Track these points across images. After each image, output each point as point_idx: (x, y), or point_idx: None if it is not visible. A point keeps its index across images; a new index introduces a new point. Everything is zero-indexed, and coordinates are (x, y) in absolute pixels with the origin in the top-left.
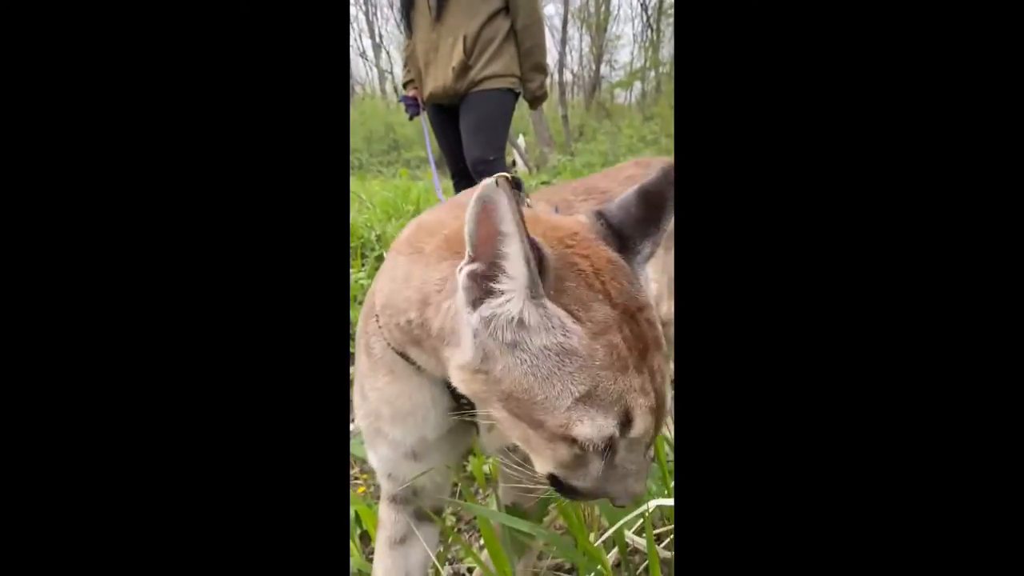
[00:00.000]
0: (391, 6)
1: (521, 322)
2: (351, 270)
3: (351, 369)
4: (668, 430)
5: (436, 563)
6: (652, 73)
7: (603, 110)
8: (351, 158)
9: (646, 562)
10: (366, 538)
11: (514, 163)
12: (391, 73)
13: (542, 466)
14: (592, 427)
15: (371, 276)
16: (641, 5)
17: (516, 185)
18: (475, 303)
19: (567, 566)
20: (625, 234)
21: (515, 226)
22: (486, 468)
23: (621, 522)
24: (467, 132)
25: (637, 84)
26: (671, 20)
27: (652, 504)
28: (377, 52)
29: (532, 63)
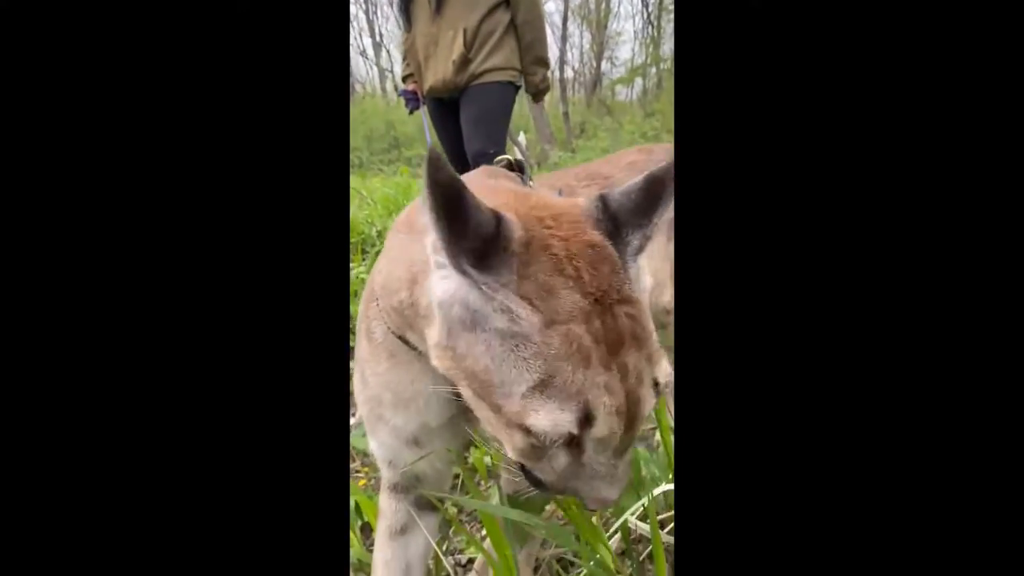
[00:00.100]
0: (391, 4)
1: (464, 300)
2: (351, 265)
3: (351, 362)
4: (670, 415)
5: (438, 553)
6: (653, 69)
7: (604, 107)
8: (352, 156)
9: (649, 548)
10: (367, 529)
11: None
12: (391, 72)
13: (508, 452)
14: (547, 420)
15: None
16: (642, 1)
17: (519, 168)
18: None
19: (571, 555)
20: (620, 221)
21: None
22: (488, 460)
23: (628, 513)
24: (468, 125)
25: (638, 81)
26: (672, 16)
27: (657, 491)
28: (377, 51)
29: (533, 56)
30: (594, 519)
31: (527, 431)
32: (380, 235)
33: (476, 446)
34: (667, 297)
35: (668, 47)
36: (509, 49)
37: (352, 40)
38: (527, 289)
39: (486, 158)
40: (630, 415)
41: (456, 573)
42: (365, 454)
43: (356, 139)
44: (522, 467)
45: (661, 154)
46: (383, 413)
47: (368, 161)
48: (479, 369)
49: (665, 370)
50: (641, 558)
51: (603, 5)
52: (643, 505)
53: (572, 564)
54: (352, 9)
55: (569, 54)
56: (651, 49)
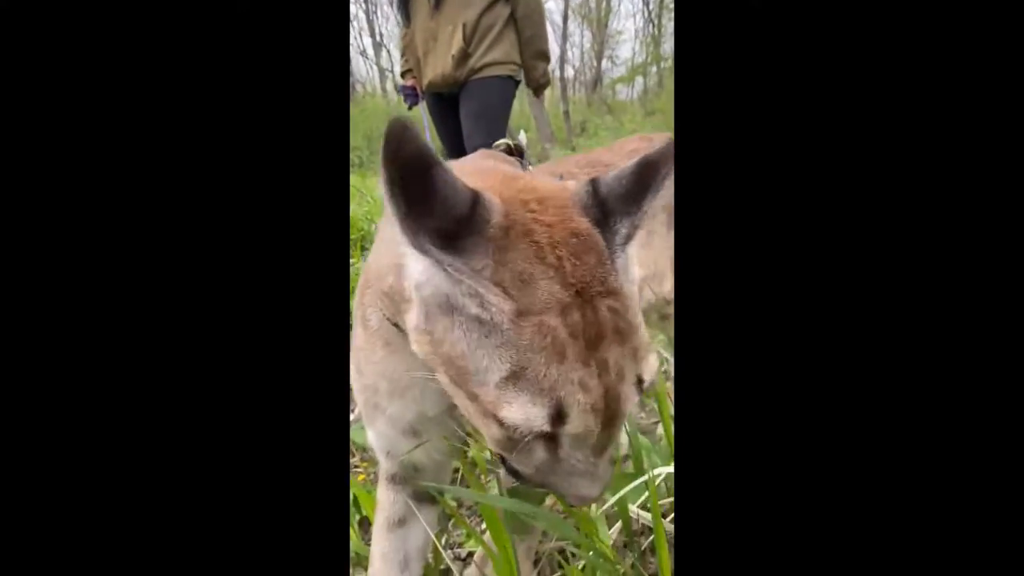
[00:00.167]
0: (391, 3)
1: (436, 282)
2: (351, 261)
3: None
4: (670, 400)
5: (437, 545)
6: (654, 68)
7: (605, 106)
8: (352, 155)
9: (651, 538)
10: (365, 524)
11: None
12: (392, 72)
13: (487, 442)
14: (519, 413)
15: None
16: (642, 0)
17: (518, 152)
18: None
19: (573, 547)
20: (609, 208)
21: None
22: (487, 454)
23: (625, 490)
24: (468, 120)
25: (639, 79)
26: (672, 15)
27: (660, 473)
28: (378, 50)
29: (534, 51)
30: (594, 509)
31: (501, 423)
32: None
33: (475, 439)
34: (668, 286)
35: (669, 46)
36: (508, 43)
37: (352, 40)
38: (503, 276)
39: None
40: (608, 413)
41: (456, 567)
42: (364, 449)
43: (356, 138)
44: (502, 458)
45: (662, 141)
46: (379, 402)
47: (368, 160)
48: (456, 355)
49: (651, 367)
50: (643, 548)
51: (603, 4)
52: (645, 495)
53: (574, 555)
54: (352, 9)
55: (569, 53)
56: (652, 48)
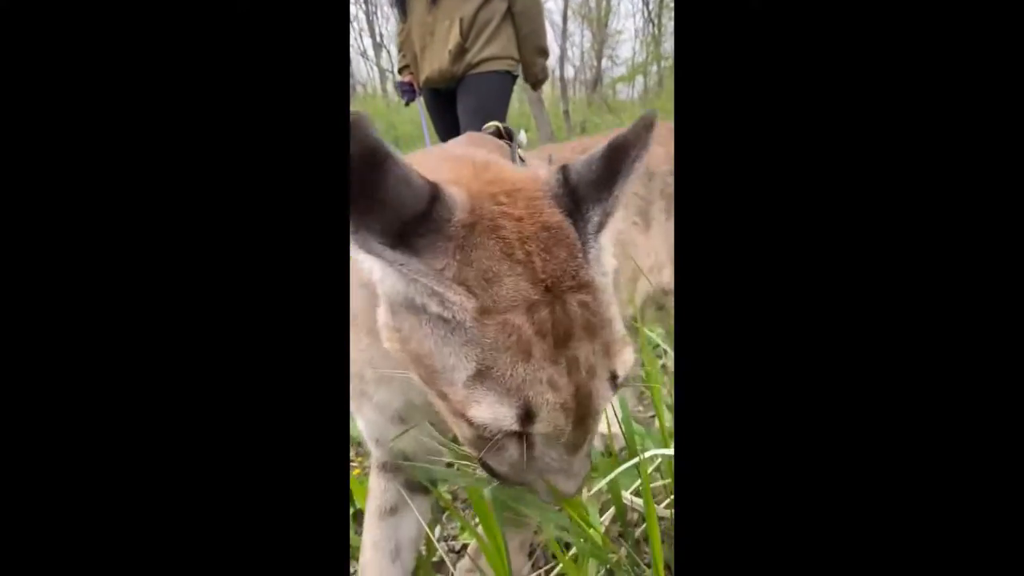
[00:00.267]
0: (391, 4)
1: (393, 281)
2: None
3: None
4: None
5: (430, 536)
6: (654, 68)
7: (605, 105)
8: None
9: (644, 526)
10: (359, 516)
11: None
12: (392, 72)
13: (461, 440)
14: (487, 412)
15: None
16: (642, 0)
17: (508, 135)
18: None
19: (568, 539)
20: (580, 195)
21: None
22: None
23: (615, 472)
24: (465, 116)
25: (639, 79)
26: (672, 15)
27: (652, 456)
28: (378, 51)
29: (533, 47)
30: (585, 493)
31: (470, 422)
32: None
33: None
34: (667, 277)
35: (669, 45)
36: (506, 38)
37: (352, 41)
38: (466, 275)
39: None
40: (580, 411)
41: (450, 559)
42: (358, 443)
43: None
44: (480, 458)
45: (662, 131)
46: (366, 389)
47: None
48: (423, 353)
49: (626, 362)
50: (637, 537)
51: (603, 3)
52: (639, 482)
53: (568, 546)
54: (352, 9)
55: (570, 52)
56: (652, 47)
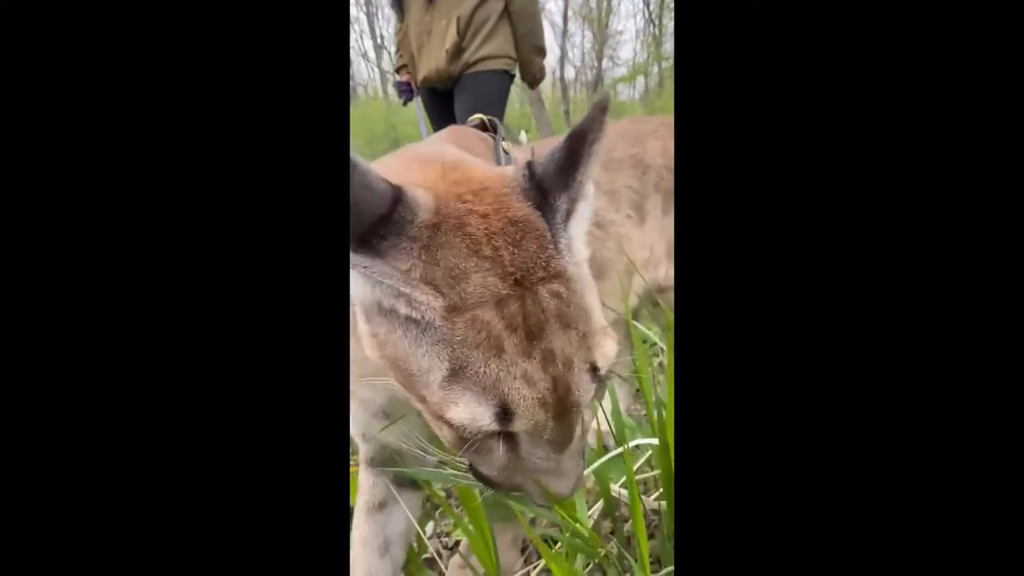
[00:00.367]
0: (392, 6)
1: (355, 285)
2: None
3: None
4: (659, 388)
5: (420, 533)
6: (655, 68)
7: None
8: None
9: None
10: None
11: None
12: (392, 74)
13: (446, 444)
14: (465, 412)
15: None
16: (643, 0)
17: (492, 128)
18: None
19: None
20: (546, 187)
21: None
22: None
23: (599, 462)
24: (463, 114)
25: (640, 79)
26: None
27: (637, 446)
28: (379, 53)
29: (530, 45)
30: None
31: (449, 423)
32: None
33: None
34: (661, 274)
35: (670, 46)
36: (503, 37)
37: (353, 43)
38: (433, 274)
39: None
40: (560, 405)
41: (442, 555)
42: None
43: (358, 141)
44: (469, 464)
45: (655, 124)
46: (350, 385)
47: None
48: (399, 357)
49: (606, 353)
50: (626, 531)
51: (604, 4)
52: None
53: (556, 541)
54: (353, 11)
55: (571, 53)
56: (653, 48)
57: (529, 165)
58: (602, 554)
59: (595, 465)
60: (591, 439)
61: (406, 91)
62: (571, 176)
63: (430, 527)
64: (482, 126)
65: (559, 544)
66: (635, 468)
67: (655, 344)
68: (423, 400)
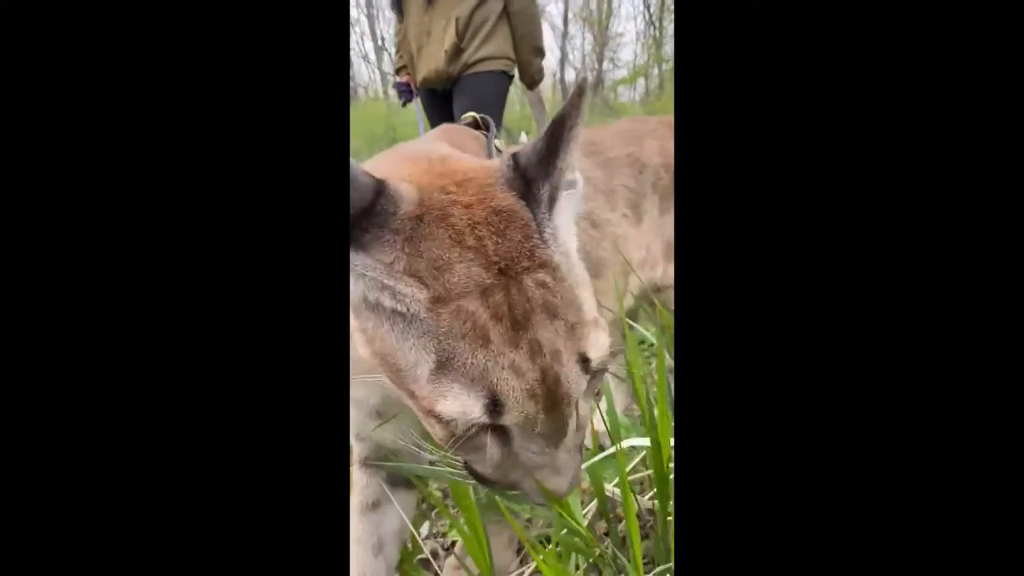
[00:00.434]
0: (391, 7)
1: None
2: None
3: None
4: (650, 384)
5: (414, 533)
6: (655, 70)
7: (607, 107)
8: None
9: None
10: None
11: None
12: (393, 76)
13: (437, 441)
14: (454, 405)
15: None
16: (643, 2)
17: (484, 126)
18: None
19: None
20: (530, 176)
21: None
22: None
23: (591, 460)
24: (461, 115)
25: (640, 81)
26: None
27: (631, 446)
28: (379, 55)
29: (529, 46)
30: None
31: (439, 418)
32: None
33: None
34: (658, 273)
35: (670, 48)
36: (502, 38)
37: (354, 44)
38: (417, 266)
39: None
40: (550, 397)
41: (438, 556)
42: None
43: (358, 142)
44: (465, 462)
45: (653, 123)
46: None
47: None
48: (387, 352)
49: (598, 344)
50: (620, 531)
51: (604, 6)
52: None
53: (548, 540)
54: (354, 13)
55: (571, 55)
56: (653, 50)
57: (514, 156)
58: (597, 554)
59: (589, 463)
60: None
61: (406, 92)
62: (552, 163)
63: (426, 527)
64: (475, 124)
65: (556, 545)
66: (631, 468)
67: (652, 344)
68: (413, 396)
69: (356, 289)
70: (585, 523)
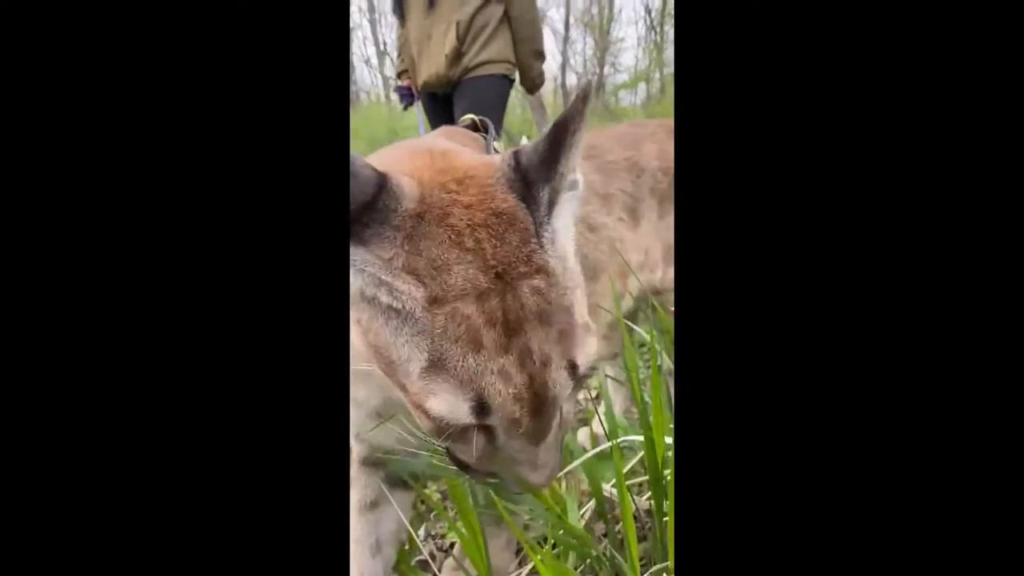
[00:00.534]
0: (393, 11)
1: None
2: None
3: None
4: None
5: (413, 534)
6: (657, 75)
7: (608, 112)
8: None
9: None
10: None
11: None
12: (394, 80)
13: (425, 431)
14: (443, 404)
15: None
16: (644, 7)
17: (483, 128)
18: None
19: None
20: (530, 178)
21: None
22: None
23: (584, 457)
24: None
25: (642, 86)
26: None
27: (627, 444)
28: (381, 59)
29: (529, 50)
30: (563, 486)
31: (427, 413)
32: None
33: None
34: (657, 276)
35: (671, 52)
36: (503, 42)
37: (356, 49)
38: (416, 264)
39: None
40: (536, 401)
41: (436, 557)
42: None
43: (360, 145)
44: (447, 448)
45: (652, 127)
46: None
47: None
48: (381, 345)
49: (587, 351)
50: (619, 536)
51: (605, 11)
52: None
53: (546, 539)
54: (356, 18)
55: (572, 60)
56: (654, 54)
57: (515, 155)
58: (594, 555)
59: (579, 460)
60: (586, 443)
61: (407, 96)
62: (553, 167)
63: (423, 528)
64: (473, 126)
65: (554, 545)
66: (629, 469)
67: (653, 347)
68: (404, 388)
69: (354, 283)
70: (583, 524)
